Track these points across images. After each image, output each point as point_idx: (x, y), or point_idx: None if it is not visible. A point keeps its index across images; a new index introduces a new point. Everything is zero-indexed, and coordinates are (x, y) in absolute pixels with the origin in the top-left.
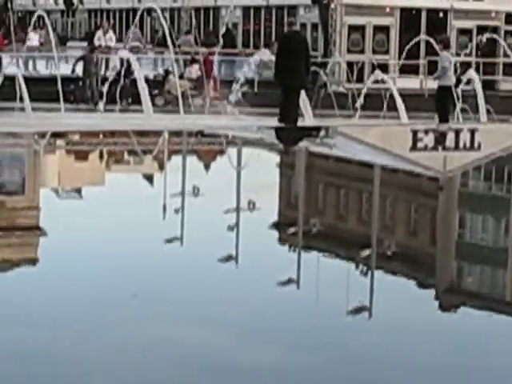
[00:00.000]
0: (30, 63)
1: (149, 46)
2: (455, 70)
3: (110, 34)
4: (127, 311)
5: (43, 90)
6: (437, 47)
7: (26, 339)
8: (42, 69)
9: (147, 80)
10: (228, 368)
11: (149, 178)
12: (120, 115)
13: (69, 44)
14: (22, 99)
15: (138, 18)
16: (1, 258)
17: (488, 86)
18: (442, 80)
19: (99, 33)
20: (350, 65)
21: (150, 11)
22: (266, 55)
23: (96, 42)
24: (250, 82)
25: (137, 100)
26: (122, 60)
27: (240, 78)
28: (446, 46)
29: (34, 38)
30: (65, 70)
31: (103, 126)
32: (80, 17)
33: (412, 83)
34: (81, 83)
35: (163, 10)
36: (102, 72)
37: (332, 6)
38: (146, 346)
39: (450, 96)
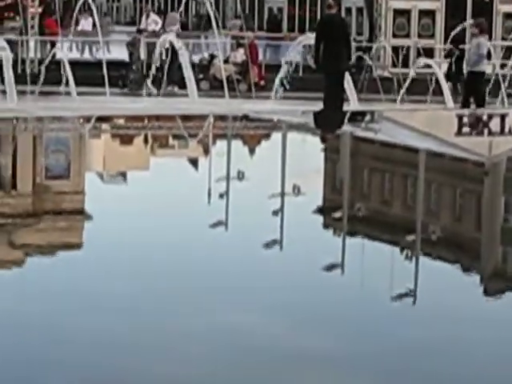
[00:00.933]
0: (86, 48)
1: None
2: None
3: (153, 17)
4: (177, 298)
5: (93, 74)
6: (474, 31)
7: (80, 327)
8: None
9: (192, 64)
10: (283, 355)
11: (194, 163)
12: (165, 99)
13: (114, 28)
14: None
15: (183, 2)
16: (46, 242)
17: None
18: (477, 66)
19: (144, 17)
20: (395, 49)
21: None
22: (311, 40)
23: (141, 27)
24: (294, 67)
25: (183, 84)
26: (167, 44)
27: (285, 62)
28: (483, 31)
29: (85, 23)
30: (112, 54)
31: (148, 110)
32: (125, 1)
33: None
34: (133, 67)
35: None
36: (143, 56)
37: None
38: (205, 333)
39: (484, 82)
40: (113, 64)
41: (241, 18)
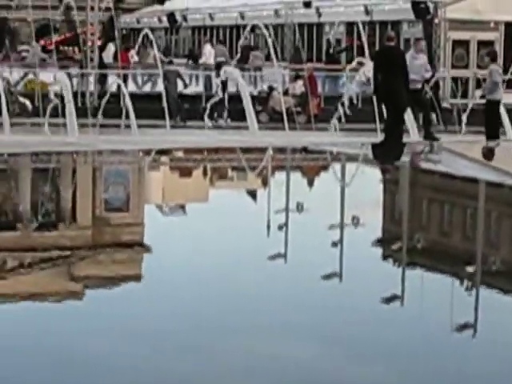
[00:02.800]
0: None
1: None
2: None
3: (208, 49)
4: (235, 326)
5: (149, 106)
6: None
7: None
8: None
9: (251, 96)
10: None
11: (253, 195)
12: (224, 132)
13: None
14: (127, 116)
15: (243, 35)
16: (106, 274)
17: None
18: (492, 94)
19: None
20: (454, 80)
21: (253, 28)
22: (370, 71)
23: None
24: (353, 99)
25: (235, 116)
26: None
27: (343, 94)
28: (494, 59)
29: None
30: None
31: (208, 143)
32: (184, 34)
33: None
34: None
35: (267, 26)
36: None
37: (436, 21)
38: (266, 365)
39: (498, 111)
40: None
41: (302, 50)
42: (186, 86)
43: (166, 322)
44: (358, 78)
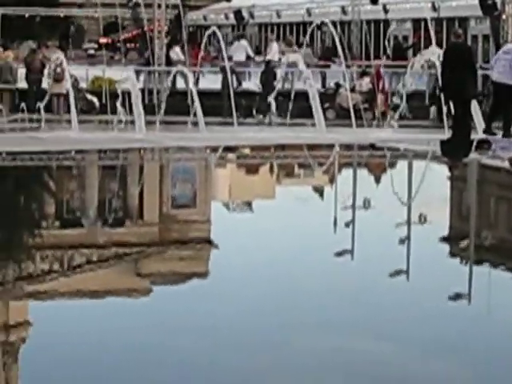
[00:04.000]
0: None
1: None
2: None
3: (273, 46)
4: (305, 329)
5: (219, 104)
6: None
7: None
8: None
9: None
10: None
11: (320, 192)
12: (293, 129)
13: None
14: (195, 114)
15: (309, 32)
16: (173, 270)
17: None
18: None
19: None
20: None
21: (320, 25)
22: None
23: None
24: (419, 95)
25: (302, 113)
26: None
27: (404, 91)
28: None
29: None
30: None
31: (275, 139)
32: (250, 31)
33: None
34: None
35: (334, 23)
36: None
37: (503, 16)
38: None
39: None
40: (240, 94)
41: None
42: (239, 83)
43: (232, 318)
44: (416, 64)
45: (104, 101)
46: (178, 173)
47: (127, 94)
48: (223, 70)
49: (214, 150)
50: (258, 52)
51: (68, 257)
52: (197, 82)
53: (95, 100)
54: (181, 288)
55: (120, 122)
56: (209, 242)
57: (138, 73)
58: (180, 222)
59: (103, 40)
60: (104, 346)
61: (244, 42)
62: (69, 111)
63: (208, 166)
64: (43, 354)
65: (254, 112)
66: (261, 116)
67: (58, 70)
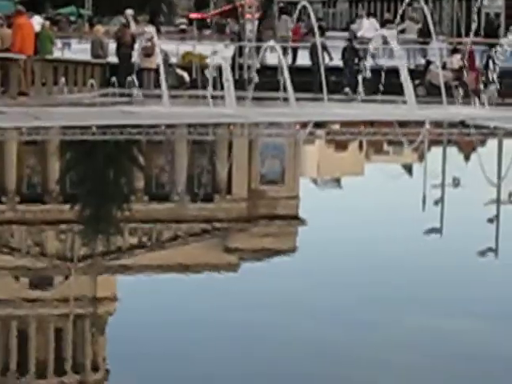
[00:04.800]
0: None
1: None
2: None
3: (366, 22)
4: (394, 306)
5: (309, 80)
6: None
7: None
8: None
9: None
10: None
11: (409, 169)
12: (382, 105)
13: (328, 34)
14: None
15: (403, 7)
16: (261, 246)
17: None
18: None
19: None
20: None
21: (411, 1)
22: None
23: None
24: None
25: (391, 90)
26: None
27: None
28: None
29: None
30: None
31: (365, 116)
32: (341, 7)
33: None
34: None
35: (426, 0)
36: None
37: None
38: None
39: None
40: (329, 70)
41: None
42: (331, 58)
43: (319, 294)
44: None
45: (194, 76)
46: (267, 148)
47: (218, 70)
48: (314, 46)
49: (304, 125)
50: (346, 29)
51: (157, 231)
52: (294, 59)
53: (185, 75)
54: (268, 263)
55: (210, 96)
56: (297, 218)
57: (228, 48)
58: (268, 198)
59: (194, 15)
60: (191, 321)
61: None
62: (159, 86)
63: (297, 141)
64: (130, 327)
65: (344, 88)
66: (349, 91)
67: (149, 44)
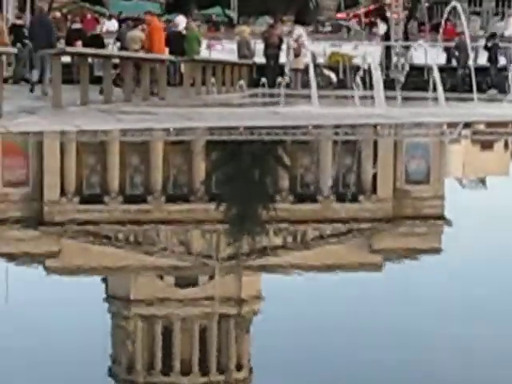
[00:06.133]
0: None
1: None
2: None
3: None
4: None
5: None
6: None
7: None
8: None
9: None
10: None
11: None
12: None
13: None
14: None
15: None
16: (406, 246)
17: None
18: None
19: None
20: None
21: None
22: None
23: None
24: None
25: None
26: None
27: None
28: None
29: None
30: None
31: None
32: (486, 6)
33: None
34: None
35: None
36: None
37: None
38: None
39: None
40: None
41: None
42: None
43: (465, 295)
44: None
45: (341, 76)
46: (415, 148)
47: (363, 70)
48: (458, 46)
49: (451, 126)
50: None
51: (301, 231)
52: (476, 59)
53: (332, 75)
54: (414, 264)
55: (360, 97)
56: (442, 218)
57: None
58: (413, 198)
59: (340, 15)
60: (335, 323)
61: None
62: (307, 86)
63: (443, 141)
64: (274, 327)
65: (487, 87)
66: (496, 92)
67: (297, 45)
